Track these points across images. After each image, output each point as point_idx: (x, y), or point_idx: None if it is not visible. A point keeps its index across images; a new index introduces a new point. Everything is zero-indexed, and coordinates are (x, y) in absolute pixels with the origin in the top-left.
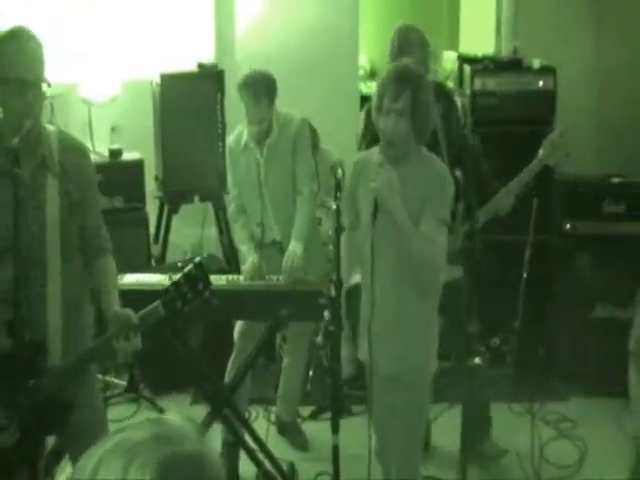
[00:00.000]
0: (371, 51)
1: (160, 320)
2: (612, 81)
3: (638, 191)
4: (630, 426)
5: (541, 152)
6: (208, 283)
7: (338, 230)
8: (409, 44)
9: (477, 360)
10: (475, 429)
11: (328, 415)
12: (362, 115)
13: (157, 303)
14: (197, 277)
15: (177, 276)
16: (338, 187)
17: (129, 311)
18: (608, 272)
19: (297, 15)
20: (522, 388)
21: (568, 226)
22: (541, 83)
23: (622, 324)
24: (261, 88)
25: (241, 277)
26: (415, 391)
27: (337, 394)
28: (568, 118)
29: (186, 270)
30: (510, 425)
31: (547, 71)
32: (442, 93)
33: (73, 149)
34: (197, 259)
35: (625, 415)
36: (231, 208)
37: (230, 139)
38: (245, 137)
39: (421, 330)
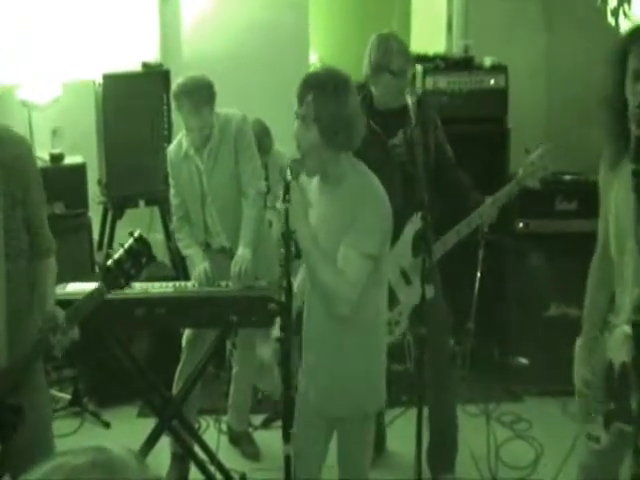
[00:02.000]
0: (322, 49)
1: (103, 301)
2: (563, 79)
3: (590, 188)
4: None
5: (520, 172)
6: (151, 256)
7: (286, 234)
8: (388, 53)
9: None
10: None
11: (280, 423)
12: None
13: (100, 284)
14: (139, 251)
15: (117, 253)
16: (287, 189)
17: (55, 309)
18: (562, 270)
19: (245, 12)
20: (477, 389)
21: (521, 225)
22: (492, 81)
23: (576, 322)
24: (201, 97)
25: (189, 284)
26: (345, 432)
27: (289, 402)
28: (519, 116)
29: (126, 245)
30: (465, 427)
31: (498, 69)
32: (418, 100)
33: (13, 142)
34: (137, 233)
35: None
36: (174, 219)
37: (170, 149)
38: (185, 145)
39: (342, 367)
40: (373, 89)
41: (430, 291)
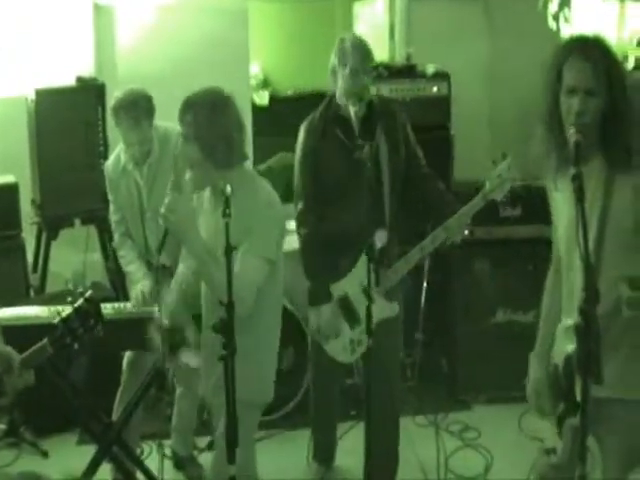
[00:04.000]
0: (264, 59)
1: (48, 358)
2: (505, 84)
3: (533, 194)
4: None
5: (487, 186)
6: (100, 318)
7: (228, 249)
8: (343, 52)
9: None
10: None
11: None
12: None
13: (44, 341)
14: (88, 312)
15: (66, 311)
16: (227, 203)
17: (10, 350)
18: (507, 277)
19: (183, 24)
20: (426, 400)
21: (466, 232)
22: (435, 89)
23: (522, 328)
24: (141, 110)
25: (128, 304)
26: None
27: (232, 422)
28: (463, 123)
29: (76, 305)
30: (415, 438)
31: (441, 76)
32: (385, 110)
33: None
34: (88, 293)
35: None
36: (115, 236)
37: (107, 164)
38: (123, 160)
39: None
40: (337, 94)
41: (394, 308)
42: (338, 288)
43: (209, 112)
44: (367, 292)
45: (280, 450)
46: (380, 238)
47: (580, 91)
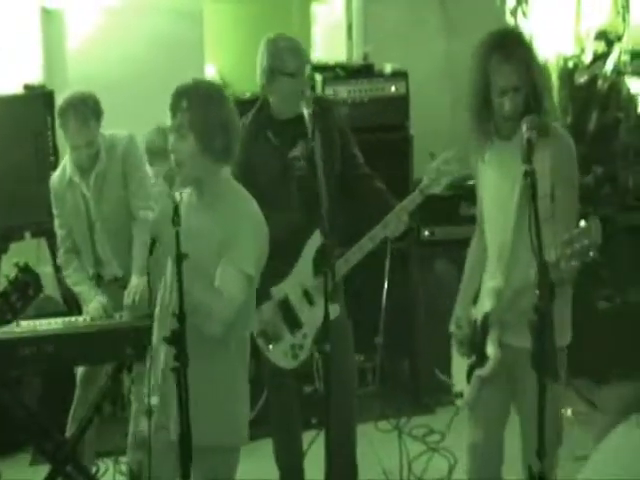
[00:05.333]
0: (220, 61)
1: None
2: (464, 82)
3: None
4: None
5: (425, 180)
6: (39, 286)
7: (179, 257)
8: (279, 54)
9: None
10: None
11: None
12: None
13: None
14: (26, 282)
15: (2, 286)
16: (176, 212)
17: None
18: None
19: (136, 27)
20: (388, 404)
21: (426, 232)
22: (393, 88)
23: None
24: (87, 109)
25: (80, 318)
26: (202, 465)
27: (185, 437)
28: (422, 122)
29: (11, 277)
30: (377, 444)
31: (399, 76)
32: (321, 108)
33: None
34: (22, 262)
35: None
36: (60, 252)
37: (53, 177)
38: (69, 171)
39: (207, 394)
40: (271, 98)
41: (335, 310)
42: (278, 291)
43: (205, 99)
44: (308, 294)
45: (241, 464)
46: (316, 239)
47: (509, 90)
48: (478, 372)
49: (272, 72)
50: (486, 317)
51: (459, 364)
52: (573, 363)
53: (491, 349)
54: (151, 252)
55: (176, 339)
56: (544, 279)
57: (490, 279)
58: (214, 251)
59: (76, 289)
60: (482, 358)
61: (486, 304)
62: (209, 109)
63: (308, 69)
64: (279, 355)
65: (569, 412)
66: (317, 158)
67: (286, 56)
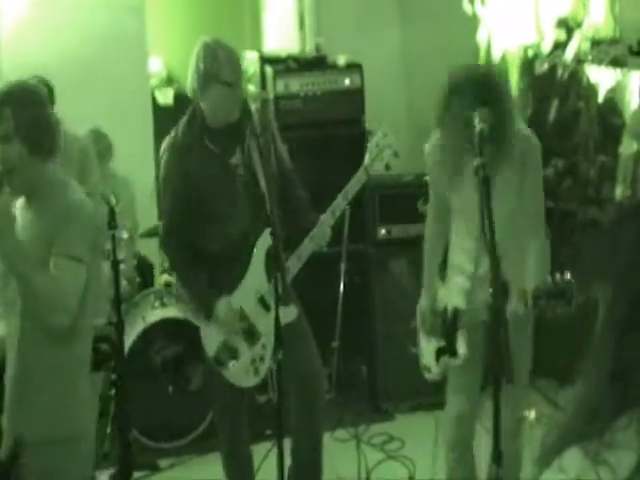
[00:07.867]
0: (167, 54)
1: None
2: (420, 72)
3: None
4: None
5: (367, 158)
6: None
7: (115, 264)
8: (216, 62)
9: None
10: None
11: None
12: None
13: None
14: None
15: None
16: (112, 216)
17: None
18: None
19: (74, 17)
20: (346, 411)
21: (383, 231)
22: (347, 81)
23: None
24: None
25: None
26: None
27: (127, 451)
28: (378, 116)
29: None
30: (335, 453)
31: (353, 68)
32: (250, 111)
33: None
34: None
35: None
36: None
37: None
38: None
39: (50, 387)
40: (203, 104)
41: (292, 312)
42: (232, 304)
43: (28, 101)
44: (263, 301)
45: (191, 479)
46: (265, 240)
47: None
48: (448, 361)
49: (207, 79)
50: (455, 314)
51: (427, 341)
52: (536, 363)
53: (462, 349)
54: None
55: (115, 352)
56: (497, 277)
57: (457, 274)
58: (44, 249)
59: None
60: (452, 347)
61: (457, 300)
62: (32, 111)
63: (244, 81)
64: (240, 374)
65: (532, 414)
66: (255, 161)
67: (223, 65)
